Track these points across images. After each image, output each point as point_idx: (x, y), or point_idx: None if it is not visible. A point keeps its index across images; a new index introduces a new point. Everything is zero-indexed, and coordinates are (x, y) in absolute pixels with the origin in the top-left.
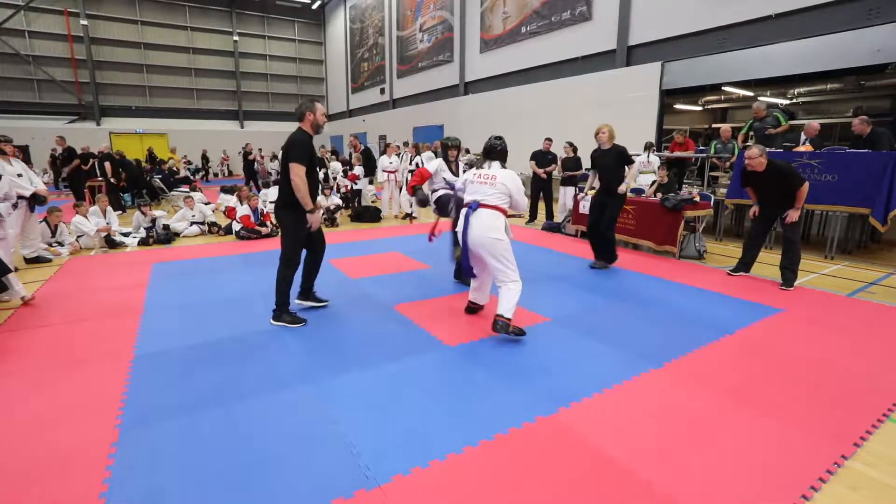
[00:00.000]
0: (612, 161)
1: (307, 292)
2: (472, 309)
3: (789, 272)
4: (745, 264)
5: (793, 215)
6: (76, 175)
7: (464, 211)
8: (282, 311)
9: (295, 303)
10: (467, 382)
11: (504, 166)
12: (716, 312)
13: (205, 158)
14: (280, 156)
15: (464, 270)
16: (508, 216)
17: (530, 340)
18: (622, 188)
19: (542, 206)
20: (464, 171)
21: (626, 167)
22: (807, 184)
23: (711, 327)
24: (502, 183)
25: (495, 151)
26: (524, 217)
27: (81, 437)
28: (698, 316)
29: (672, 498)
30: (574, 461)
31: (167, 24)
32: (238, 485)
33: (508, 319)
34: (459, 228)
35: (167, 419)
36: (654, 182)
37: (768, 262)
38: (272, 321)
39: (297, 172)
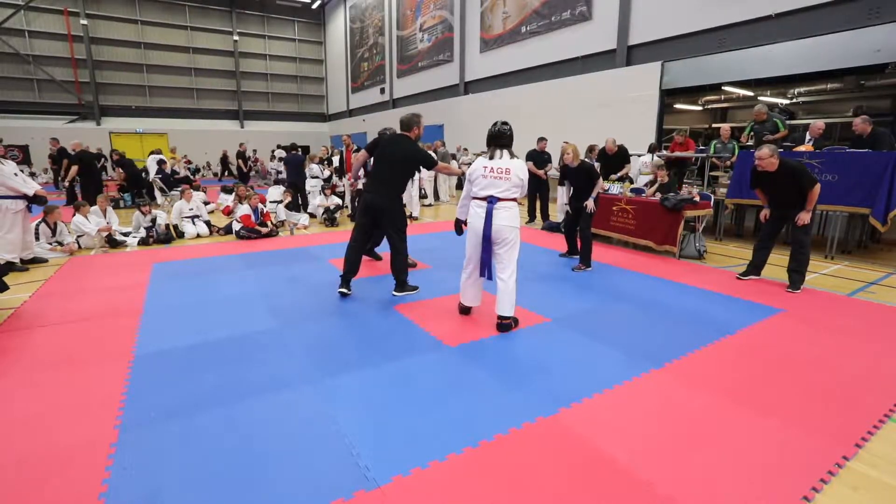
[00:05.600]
0: (583, 178)
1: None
2: (467, 310)
3: (797, 275)
4: (755, 267)
5: (804, 217)
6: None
7: (482, 205)
8: (405, 282)
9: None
10: (467, 382)
11: (512, 154)
12: (716, 313)
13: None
14: (396, 160)
15: (484, 267)
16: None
17: (530, 340)
18: (590, 205)
19: (540, 205)
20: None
21: (594, 182)
22: (819, 185)
23: (712, 327)
24: (517, 176)
25: (505, 137)
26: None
27: (81, 437)
28: (698, 316)
29: (672, 499)
30: (574, 462)
31: (167, 24)
32: (238, 485)
33: (510, 318)
34: (476, 222)
35: (167, 419)
36: (654, 182)
37: (770, 262)
38: (395, 293)
39: (442, 169)
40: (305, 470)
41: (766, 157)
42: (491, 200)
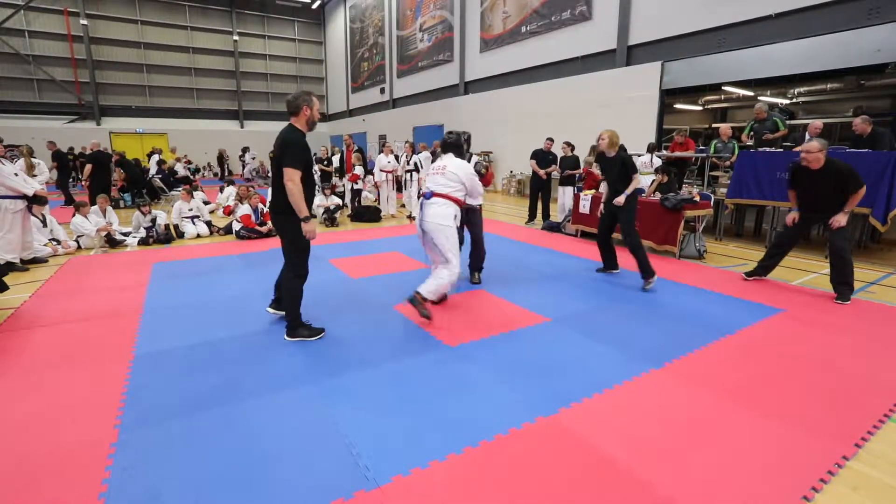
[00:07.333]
0: (617, 169)
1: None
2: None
3: (845, 287)
4: (764, 268)
5: (840, 219)
6: (62, 177)
7: (420, 200)
8: (297, 325)
9: (267, 310)
10: (467, 382)
11: (460, 157)
12: (716, 312)
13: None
14: (273, 156)
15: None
16: (467, 205)
17: (530, 340)
18: (619, 200)
19: (542, 205)
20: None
21: (631, 176)
22: (864, 187)
23: (712, 327)
24: (452, 172)
25: (449, 144)
26: (482, 204)
27: (81, 437)
28: (699, 316)
29: (672, 499)
30: (574, 462)
31: (167, 24)
32: (238, 485)
33: (424, 299)
34: (417, 217)
35: (167, 419)
36: (653, 181)
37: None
38: (287, 338)
39: (292, 177)
40: (305, 470)
41: (816, 150)
42: (427, 195)
